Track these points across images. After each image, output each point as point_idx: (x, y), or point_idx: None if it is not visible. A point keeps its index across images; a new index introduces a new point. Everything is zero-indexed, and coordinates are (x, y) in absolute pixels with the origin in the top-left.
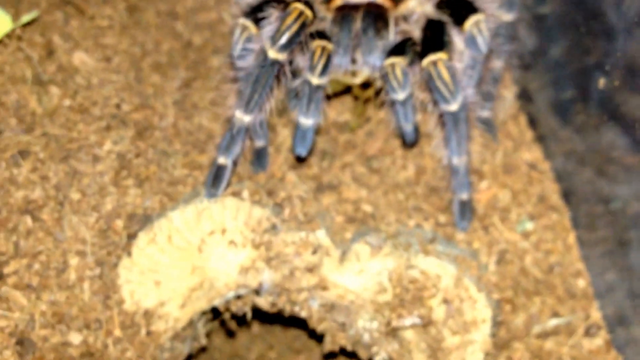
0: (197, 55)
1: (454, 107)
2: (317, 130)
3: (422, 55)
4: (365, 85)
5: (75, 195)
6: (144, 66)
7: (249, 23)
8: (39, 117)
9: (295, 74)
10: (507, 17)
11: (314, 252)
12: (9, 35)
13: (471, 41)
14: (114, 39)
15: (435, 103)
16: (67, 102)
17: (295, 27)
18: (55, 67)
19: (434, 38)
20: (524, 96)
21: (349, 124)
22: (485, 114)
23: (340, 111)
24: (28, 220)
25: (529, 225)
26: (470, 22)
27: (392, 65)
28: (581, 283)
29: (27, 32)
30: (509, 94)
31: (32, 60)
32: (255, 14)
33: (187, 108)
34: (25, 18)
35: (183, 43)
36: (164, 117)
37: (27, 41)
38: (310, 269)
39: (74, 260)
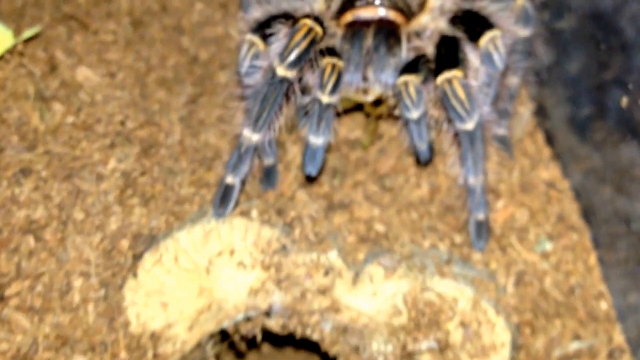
0: (203, 70)
1: (469, 125)
2: (328, 148)
3: (436, 72)
4: (377, 102)
5: (78, 215)
6: (149, 82)
7: (256, 39)
8: (42, 135)
9: (304, 91)
10: (524, 32)
11: (326, 273)
12: (10, 51)
13: (487, 58)
14: (118, 54)
15: (450, 121)
16: (70, 119)
17: (304, 44)
18: (58, 83)
19: (448, 55)
20: (541, 113)
21: (361, 142)
22: (501, 131)
23: (352, 128)
24: (30, 240)
25: (548, 246)
26: (486, 38)
27: (406, 84)
28: (603, 305)
29: (29, 47)
30: (525, 110)
31: (34, 76)
32: (263, 30)
33: (194, 125)
34: (27, 33)
35: (189, 58)
36: (170, 134)
37: (30, 57)
38: (322, 291)
39: (77, 282)
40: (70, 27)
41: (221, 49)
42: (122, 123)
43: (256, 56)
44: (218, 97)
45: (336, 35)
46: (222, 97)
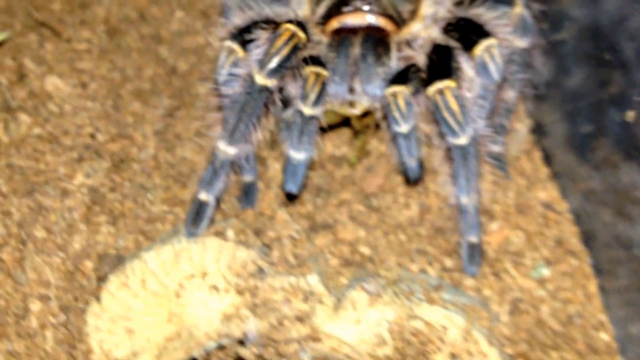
0: (182, 82)
1: (462, 140)
2: (311, 165)
3: (427, 83)
4: (365, 115)
5: (39, 233)
6: (124, 93)
7: (235, 46)
8: (5, 147)
9: (286, 103)
10: (521, 43)
11: (305, 299)
12: None
13: (482, 68)
14: (91, 64)
15: (442, 136)
16: (36, 130)
17: (286, 51)
18: (26, 92)
19: (440, 64)
20: (539, 130)
21: (347, 159)
22: (496, 148)
23: (337, 144)
24: None
25: (546, 272)
26: (481, 47)
27: (394, 95)
28: (604, 336)
29: None
30: (522, 127)
31: (0, 85)
32: (242, 36)
33: (170, 139)
34: None
35: (167, 69)
36: (143, 148)
37: None
38: (301, 318)
39: (35, 306)
40: (41, 35)
41: (202, 60)
42: (92, 136)
43: (235, 64)
44: (197, 111)
45: (321, 43)
46: (201, 110)
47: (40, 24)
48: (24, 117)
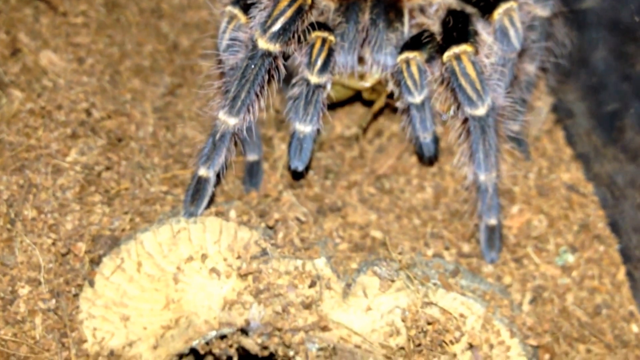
0: (184, 58)
1: (481, 110)
2: (320, 145)
3: (442, 48)
4: (375, 89)
5: (29, 213)
6: (122, 69)
7: (237, 11)
8: None
9: (291, 77)
10: (542, 11)
11: (312, 284)
12: None
13: (502, 33)
14: (88, 38)
15: (459, 107)
16: (29, 105)
17: (290, 12)
18: (19, 67)
19: (456, 28)
20: (561, 108)
21: (359, 125)
22: (516, 127)
23: (347, 124)
24: None
25: (570, 258)
26: (500, 11)
27: (407, 61)
28: (634, 328)
29: None
30: (543, 105)
31: None
32: (245, 0)
33: (170, 117)
34: None
35: (168, 45)
36: (141, 125)
37: None
38: (308, 305)
39: (24, 290)
40: (37, 9)
41: (204, 36)
42: (88, 112)
43: (237, 29)
44: (199, 89)
45: (328, 9)
46: (203, 87)
47: None
48: (16, 93)
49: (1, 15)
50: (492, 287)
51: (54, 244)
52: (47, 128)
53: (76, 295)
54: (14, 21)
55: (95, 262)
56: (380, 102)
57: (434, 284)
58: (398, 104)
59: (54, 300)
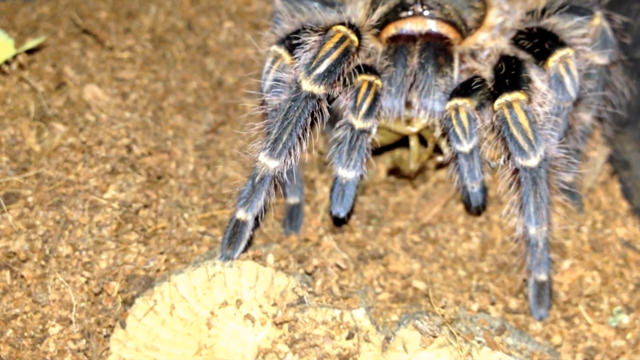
0: (228, 96)
1: (532, 161)
2: (363, 189)
3: (494, 96)
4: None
5: (64, 250)
6: (165, 105)
7: (282, 50)
8: (36, 156)
9: (337, 116)
10: (600, 59)
11: (350, 336)
12: (16, 64)
13: (556, 81)
14: (133, 73)
15: (509, 156)
16: (70, 140)
17: (336, 54)
18: (63, 101)
19: (509, 75)
20: (618, 159)
21: (402, 169)
22: (569, 178)
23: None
24: (6, 275)
25: (625, 319)
26: (555, 58)
27: (456, 109)
28: None
29: (37, 61)
30: (598, 155)
31: (37, 92)
32: (290, 41)
33: (211, 156)
34: (30, 44)
35: (213, 82)
36: (182, 164)
37: (36, 71)
38: (344, 358)
39: (55, 328)
40: (84, 43)
41: (249, 74)
42: (128, 148)
43: (281, 70)
44: (242, 127)
45: (376, 51)
46: (246, 126)
47: (83, 32)
48: (59, 126)
49: (49, 48)
50: (540, 347)
51: (87, 282)
52: (87, 163)
53: (107, 336)
54: (60, 54)
55: (128, 302)
56: (429, 150)
57: (479, 342)
58: (439, 159)
59: (84, 341)
